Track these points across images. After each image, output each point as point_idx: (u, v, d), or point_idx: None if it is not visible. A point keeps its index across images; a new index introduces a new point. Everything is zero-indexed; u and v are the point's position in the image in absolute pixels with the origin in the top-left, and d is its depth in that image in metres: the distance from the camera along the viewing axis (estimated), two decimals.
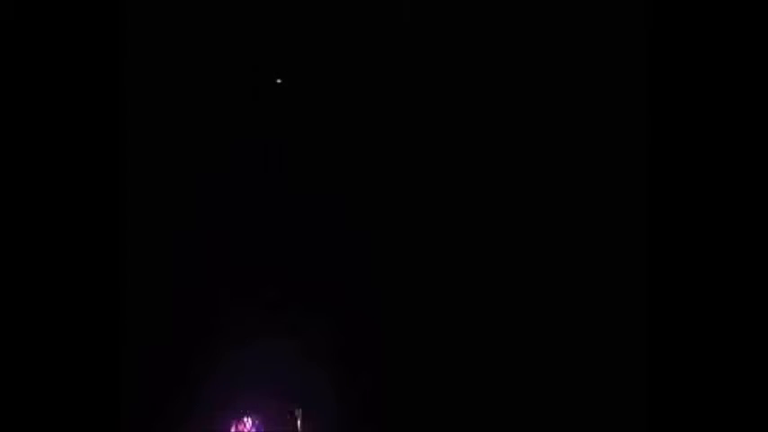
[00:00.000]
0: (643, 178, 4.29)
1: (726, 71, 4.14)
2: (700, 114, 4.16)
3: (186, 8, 4.71)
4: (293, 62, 4.94)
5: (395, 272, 4.97)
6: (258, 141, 4.95)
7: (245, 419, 4.96)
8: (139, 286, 4.69)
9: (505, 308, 4.91)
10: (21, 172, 4.03)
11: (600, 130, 4.81)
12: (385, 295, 4.97)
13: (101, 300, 4.09)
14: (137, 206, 4.62)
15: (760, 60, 4.10)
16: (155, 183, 4.79)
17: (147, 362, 4.78)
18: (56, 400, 3.98)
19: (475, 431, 4.84)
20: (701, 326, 4.08)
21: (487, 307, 4.92)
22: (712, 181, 4.13)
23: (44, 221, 4.06)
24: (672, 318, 4.13)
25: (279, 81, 4.96)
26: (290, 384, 4.98)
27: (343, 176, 4.95)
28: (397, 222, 4.98)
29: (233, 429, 4.95)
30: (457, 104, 4.91)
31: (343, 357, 4.99)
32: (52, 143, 4.06)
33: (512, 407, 4.83)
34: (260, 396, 4.97)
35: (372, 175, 4.96)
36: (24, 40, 3.96)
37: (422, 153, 4.98)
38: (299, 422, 4.98)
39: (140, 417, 4.67)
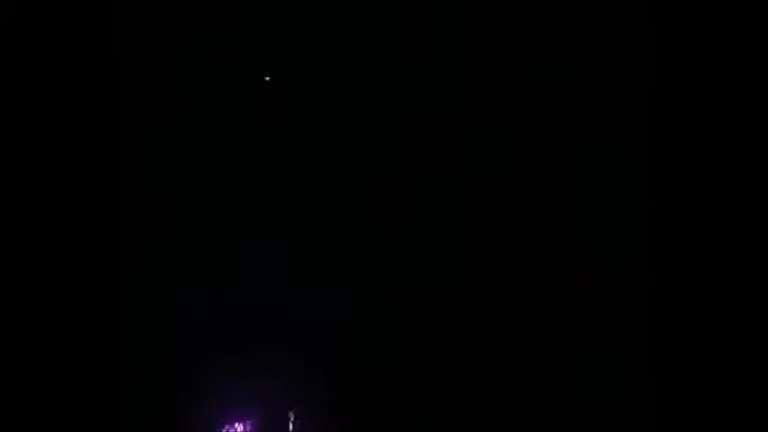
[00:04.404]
0: (643, 179, 4.31)
1: (726, 71, 4.17)
2: (700, 115, 4.19)
3: (184, 8, 4.70)
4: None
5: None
6: None
7: (237, 425, 4.94)
8: (136, 288, 4.66)
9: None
10: (19, 173, 4.01)
11: (599, 131, 4.82)
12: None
13: (98, 303, 4.09)
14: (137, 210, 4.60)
15: (760, 60, 4.13)
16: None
17: (141, 366, 4.75)
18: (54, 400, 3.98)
19: None
20: (702, 326, 4.11)
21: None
22: (713, 181, 4.16)
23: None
24: (672, 318, 4.16)
25: (267, 78, 4.95)
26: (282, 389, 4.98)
27: None
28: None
29: None
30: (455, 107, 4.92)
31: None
32: (51, 144, 4.04)
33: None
34: (252, 401, 4.96)
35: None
36: (24, 40, 3.94)
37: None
38: (290, 426, 4.97)
39: (135, 422, 4.65)
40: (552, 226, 4.85)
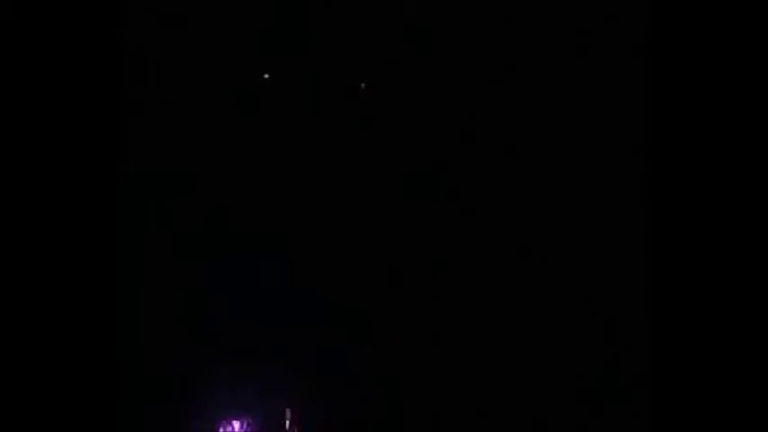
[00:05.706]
0: (643, 179, 4.31)
1: (726, 71, 4.17)
2: (699, 115, 4.19)
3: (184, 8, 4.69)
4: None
5: None
6: None
7: (234, 422, 4.94)
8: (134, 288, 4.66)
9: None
10: (18, 174, 4.00)
11: (599, 131, 4.83)
12: None
13: (97, 302, 4.08)
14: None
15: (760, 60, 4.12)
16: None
17: (138, 365, 4.75)
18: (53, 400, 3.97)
19: None
20: (702, 326, 4.11)
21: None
22: (712, 181, 4.16)
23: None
24: (672, 319, 4.16)
25: (266, 76, 4.94)
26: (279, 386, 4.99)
27: None
28: None
29: (221, 431, 4.93)
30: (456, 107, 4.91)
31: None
32: (51, 144, 4.03)
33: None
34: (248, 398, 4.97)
35: None
36: (24, 40, 3.93)
37: None
38: (287, 423, 4.97)
39: (132, 420, 4.64)
40: (551, 226, 4.87)
